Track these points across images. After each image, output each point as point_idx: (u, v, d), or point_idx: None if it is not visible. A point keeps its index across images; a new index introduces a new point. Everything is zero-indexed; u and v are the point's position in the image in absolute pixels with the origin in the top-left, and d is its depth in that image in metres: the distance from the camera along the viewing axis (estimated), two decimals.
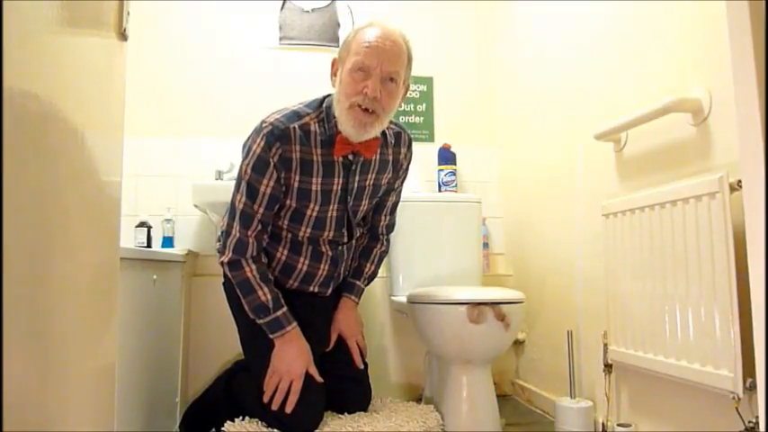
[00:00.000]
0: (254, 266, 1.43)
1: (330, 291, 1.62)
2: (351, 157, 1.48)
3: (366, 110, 1.36)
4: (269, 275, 1.46)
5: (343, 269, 1.65)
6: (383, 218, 1.71)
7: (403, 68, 1.41)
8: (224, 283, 1.62)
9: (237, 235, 1.43)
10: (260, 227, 1.44)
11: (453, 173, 2.37)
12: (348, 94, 1.36)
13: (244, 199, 1.42)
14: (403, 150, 1.62)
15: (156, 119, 2.25)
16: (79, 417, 0.78)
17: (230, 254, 1.43)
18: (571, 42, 1.90)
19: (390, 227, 1.75)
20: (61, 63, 0.72)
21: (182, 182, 2.19)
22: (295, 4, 2.42)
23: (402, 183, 1.70)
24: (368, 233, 1.73)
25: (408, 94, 1.89)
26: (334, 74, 1.46)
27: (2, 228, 0.53)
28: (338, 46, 2.40)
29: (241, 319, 1.53)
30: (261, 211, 1.43)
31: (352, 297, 1.67)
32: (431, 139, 2.49)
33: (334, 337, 1.61)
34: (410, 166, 1.69)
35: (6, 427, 0.54)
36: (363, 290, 1.71)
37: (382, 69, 1.35)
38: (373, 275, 1.73)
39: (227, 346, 1.88)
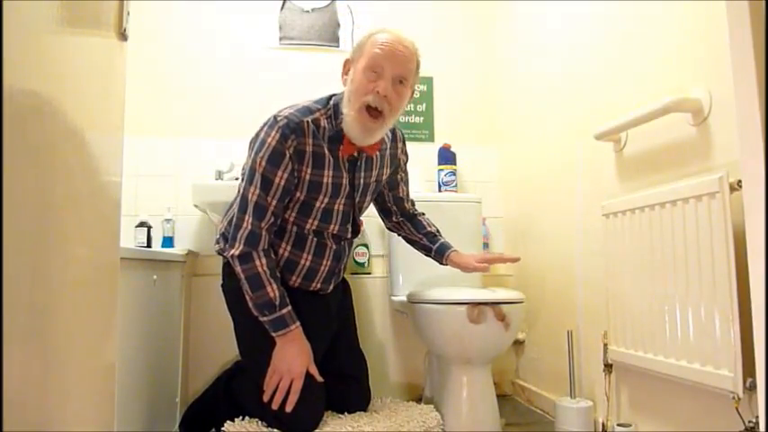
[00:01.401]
0: (264, 260, 1.43)
1: (331, 287, 1.62)
2: (355, 153, 1.52)
3: (374, 110, 1.42)
4: (276, 272, 1.46)
5: (343, 266, 1.66)
6: (407, 205, 1.80)
7: (412, 73, 1.48)
8: (222, 285, 1.62)
9: (250, 227, 1.43)
10: (272, 219, 1.45)
11: (453, 173, 2.37)
12: (360, 92, 1.42)
13: (258, 191, 1.43)
14: (399, 145, 1.70)
15: (156, 119, 2.25)
16: (79, 417, 0.78)
17: (241, 246, 1.43)
18: (571, 42, 1.90)
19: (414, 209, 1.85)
20: (61, 63, 0.72)
21: (182, 182, 2.19)
22: (295, 4, 2.42)
23: (406, 174, 1.77)
24: (404, 220, 1.80)
25: None
26: (345, 73, 1.51)
27: (2, 228, 0.53)
28: (338, 46, 2.42)
29: (240, 319, 1.53)
30: (274, 203, 1.44)
31: (452, 248, 1.73)
32: (431, 139, 2.49)
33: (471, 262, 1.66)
34: (408, 162, 1.77)
35: (6, 426, 0.54)
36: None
37: (394, 71, 1.42)
38: (439, 231, 1.81)
39: (227, 346, 1.88)
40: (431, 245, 1.75)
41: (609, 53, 1.67)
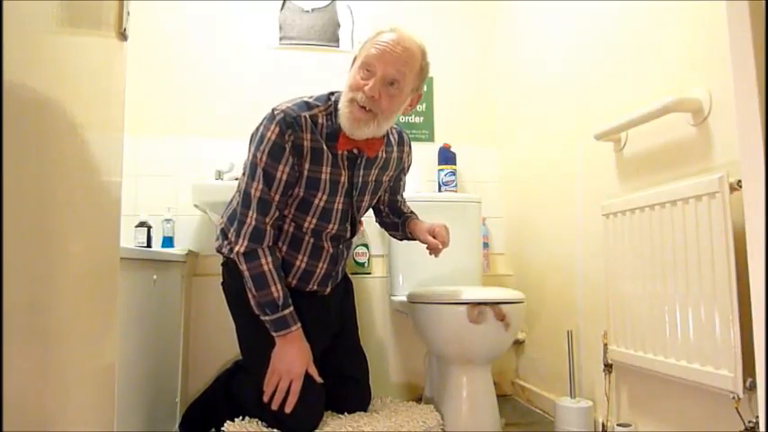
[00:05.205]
0: (270, 258, 1.42)
1: (329, 289, 1.62)
2: (356, 151, 1.50)
3: (363, 108, 1.39)
4: (281, 271, 1.45)
5: (341, 268, 1.66)
6: (399, 199, 1.82)
7: (410, 74, 1.41)
8: (222, 283, 1.61)
9: (254, 223, 1.41)
10: (276, 213, 1.44)
11: (453, 173, 2.37)
12: (351, 87, 1.41)
13: (260, 186, 1.41)
14: (406, 149, 1.68)
15: (156, 119, 2.25)
16: (79, 417, 0.78)
17: (246, 242, 1.41)
18: (571, 42, 1.90)
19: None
20: (61, 63, 0.72)
21: (182, 182, 2.19)
22: (295, 4, 2.42)
23: (406, 175, 1.79)
24: (390, 213, 1.81)
25: None
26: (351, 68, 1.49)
27: (2, 228, 0.53)
28: (338, 46, 2.43)
29: (241, 318, 1.53)
30: (277, 197, 1.43)
31: (414, 217, 1.77)
32: (431, 139, 2.49)
33: (429, 238, 1.64)
34: (411, 165, 1.77)
35: (6, 427, 0.54)
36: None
37: (385, 72, 1.37)
38: (413, 212, 1.82)
39: (227, 346, 1.88)
40: (397, 219, 1.77)
41: (609, 53, 1.67)
